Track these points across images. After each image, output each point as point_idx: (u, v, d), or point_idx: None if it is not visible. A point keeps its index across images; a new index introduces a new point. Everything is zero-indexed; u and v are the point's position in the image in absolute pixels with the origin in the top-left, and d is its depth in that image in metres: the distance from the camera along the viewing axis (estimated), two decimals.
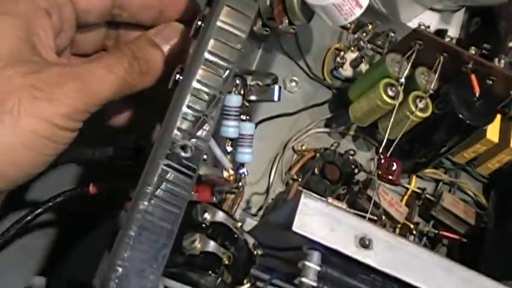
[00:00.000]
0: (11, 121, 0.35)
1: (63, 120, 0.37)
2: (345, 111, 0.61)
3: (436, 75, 0.54)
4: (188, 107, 0.37)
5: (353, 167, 0.58)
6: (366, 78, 0.57)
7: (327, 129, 0.61)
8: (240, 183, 0.51)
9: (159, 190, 0.36)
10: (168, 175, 0.36)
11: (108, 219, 0.56)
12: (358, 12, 0.52)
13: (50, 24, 0.39)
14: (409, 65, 0.53)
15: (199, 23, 0.40)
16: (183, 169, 0.37)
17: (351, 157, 0.58)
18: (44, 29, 0.39)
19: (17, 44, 0.37)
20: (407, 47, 0.54)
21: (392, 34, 0.64)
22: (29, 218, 0.53)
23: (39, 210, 0.53)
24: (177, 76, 0.40)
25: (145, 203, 0.36)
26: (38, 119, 0.36)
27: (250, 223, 0.54)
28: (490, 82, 0.55)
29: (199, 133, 0.37)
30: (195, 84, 0.37)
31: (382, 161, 0.52)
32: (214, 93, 0.37)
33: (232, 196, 0.50)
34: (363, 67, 0.64)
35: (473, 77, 0.54)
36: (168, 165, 0.36)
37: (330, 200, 0.52)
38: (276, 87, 0.51)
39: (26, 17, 0.38)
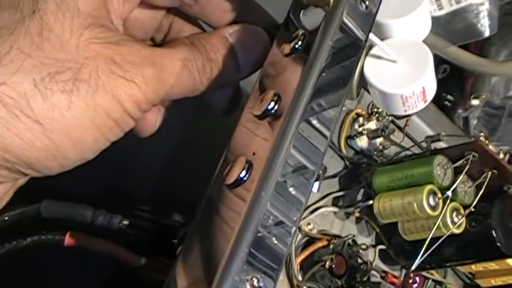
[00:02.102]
0: (86, 92, 0.30)
1: (132, 106, 0.32)
2: (355, 189, 0.56)
3: (481, 191, 0.49)
4: None
5: (360, 261, 0.52)
6: (401, 172, 0.51)
7: (335, 209, 0.54)
8: None
9: None
10: None
11: None
12: (421, 106, 0.45)
13: None
14: (460, 178, 0.48)
15: (300, 42, 0.35)
16: None
17: (361, 251, 0.53)
18: None
19: (97, 2, 0.32)
20: (458, 154, 0.49)
21: None
22: None
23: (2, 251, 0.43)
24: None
25: None
26: (113, 97, 0.31)
27: None
28: None
29: None
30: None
31: (411, 280, 0.46)
32: None
33: None
34: (379, 140, 0.58)
35: None
36: None
37: None
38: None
39: None
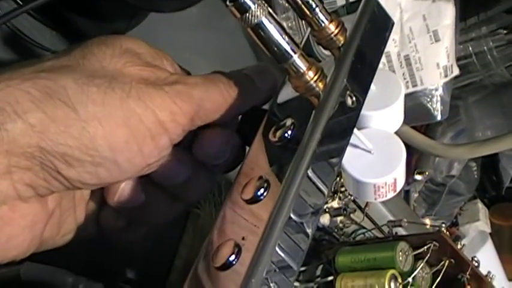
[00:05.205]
0: (121, 95, 0.33)
1: (168, 117, 0.34)
2: (315, 265, 0.57)
3: (438, 279, 0.51)
4: None
5: None
6: (364, 254, 0.52)
7: (296, 283, 0.56)
8: None
9: None
10: None
11: None
12: (390, 195, 0.48)
13: None
14: (421, 265, 0.50)
15: (289, 132, 0.37)
16: None
17: None
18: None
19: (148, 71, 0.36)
20: (419, 242, 0.51)
21: None
22: None
23: None
24: None
25: None
26: (146, 106, 0.33)
27: None
28: None
29: None
30: None
31: None
32: None
33: None
34: (339, 218, 0.60)
35: None
36: None
37: None
38: None
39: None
